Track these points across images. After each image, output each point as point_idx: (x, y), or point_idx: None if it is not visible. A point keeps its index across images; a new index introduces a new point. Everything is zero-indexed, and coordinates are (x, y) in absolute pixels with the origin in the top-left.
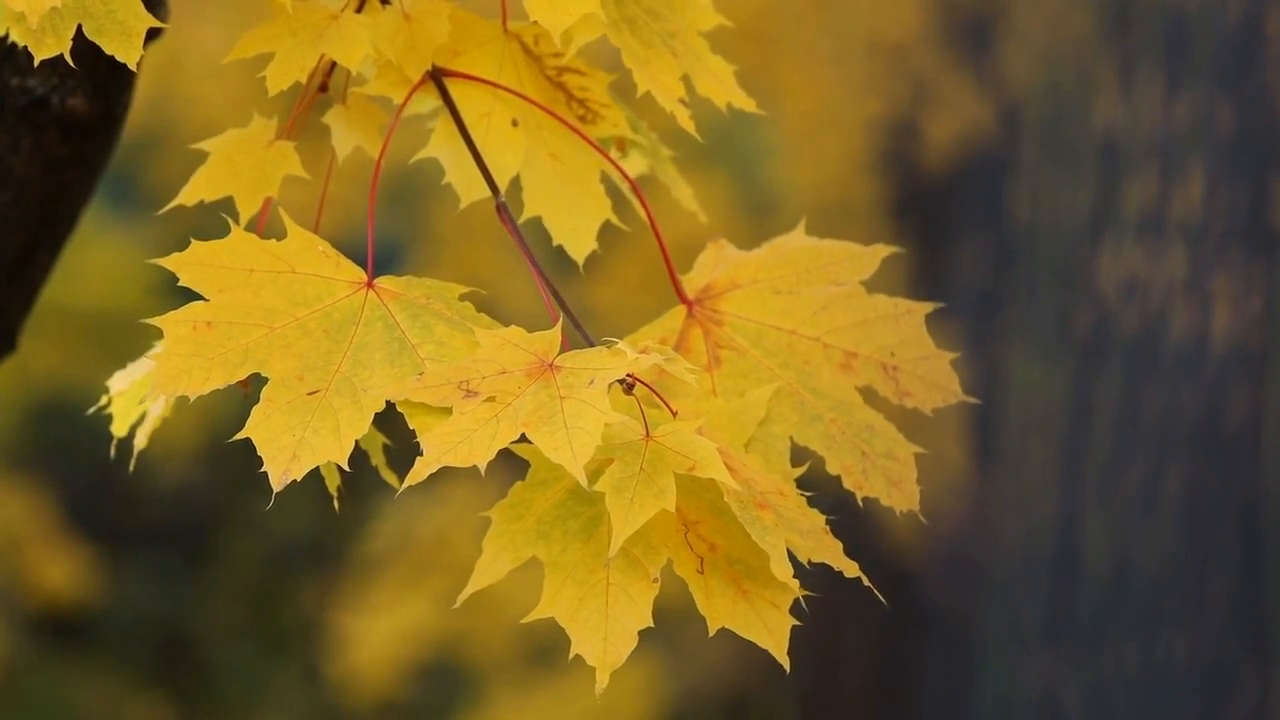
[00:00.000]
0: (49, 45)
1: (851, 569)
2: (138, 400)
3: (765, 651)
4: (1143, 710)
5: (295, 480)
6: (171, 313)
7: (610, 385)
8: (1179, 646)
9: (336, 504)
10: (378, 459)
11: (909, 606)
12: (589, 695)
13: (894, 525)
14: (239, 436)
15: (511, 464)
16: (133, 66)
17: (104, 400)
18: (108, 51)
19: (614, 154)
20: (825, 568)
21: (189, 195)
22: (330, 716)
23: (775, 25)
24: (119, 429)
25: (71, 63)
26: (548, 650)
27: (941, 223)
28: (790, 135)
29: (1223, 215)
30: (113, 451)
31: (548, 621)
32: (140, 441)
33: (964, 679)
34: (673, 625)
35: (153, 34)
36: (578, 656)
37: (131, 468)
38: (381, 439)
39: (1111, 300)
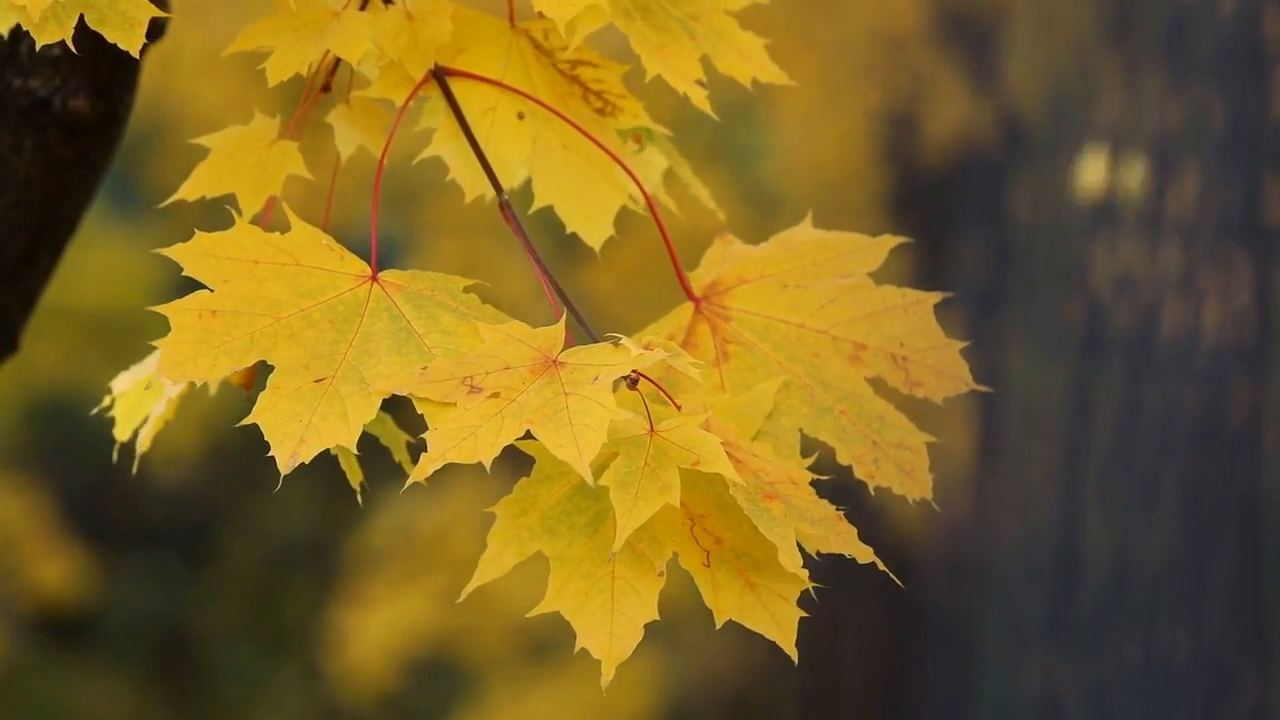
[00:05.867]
0: (51, 31)
1: (866, 555)
2: (140, 399)
3: (765, 651)
4: (1143, 709)
5: (303, 463)
6: (177, 301)
7: (615, 381)
8: (1180, 645)
9: (359, 498)
10: (400, 455)
11: (909, 606)
12: (587, 692)
13: (895, 524)
14: (245, 422)
15: (513, 461)
16: (135, 54)
17: (106, 401)
18: (110, 39)
19: (631, 147)
20: (827, 568)
21: (190, 190)
22: (330, 714)
23: (775, 13)
24: (122, 433)
25: (74, 48)
26: (546, 647)
27: (941, 220)
28: (790, 123)
29: (1231, 212)
30: (115, 455)
31: (547, 618)
32: (143, 444)
33: (964, 679)
34: (673, 624)
35: (156, 31)
36: (580, 651)
37: (134, 470)
38: (405, 437)
39: (1110, 298)
